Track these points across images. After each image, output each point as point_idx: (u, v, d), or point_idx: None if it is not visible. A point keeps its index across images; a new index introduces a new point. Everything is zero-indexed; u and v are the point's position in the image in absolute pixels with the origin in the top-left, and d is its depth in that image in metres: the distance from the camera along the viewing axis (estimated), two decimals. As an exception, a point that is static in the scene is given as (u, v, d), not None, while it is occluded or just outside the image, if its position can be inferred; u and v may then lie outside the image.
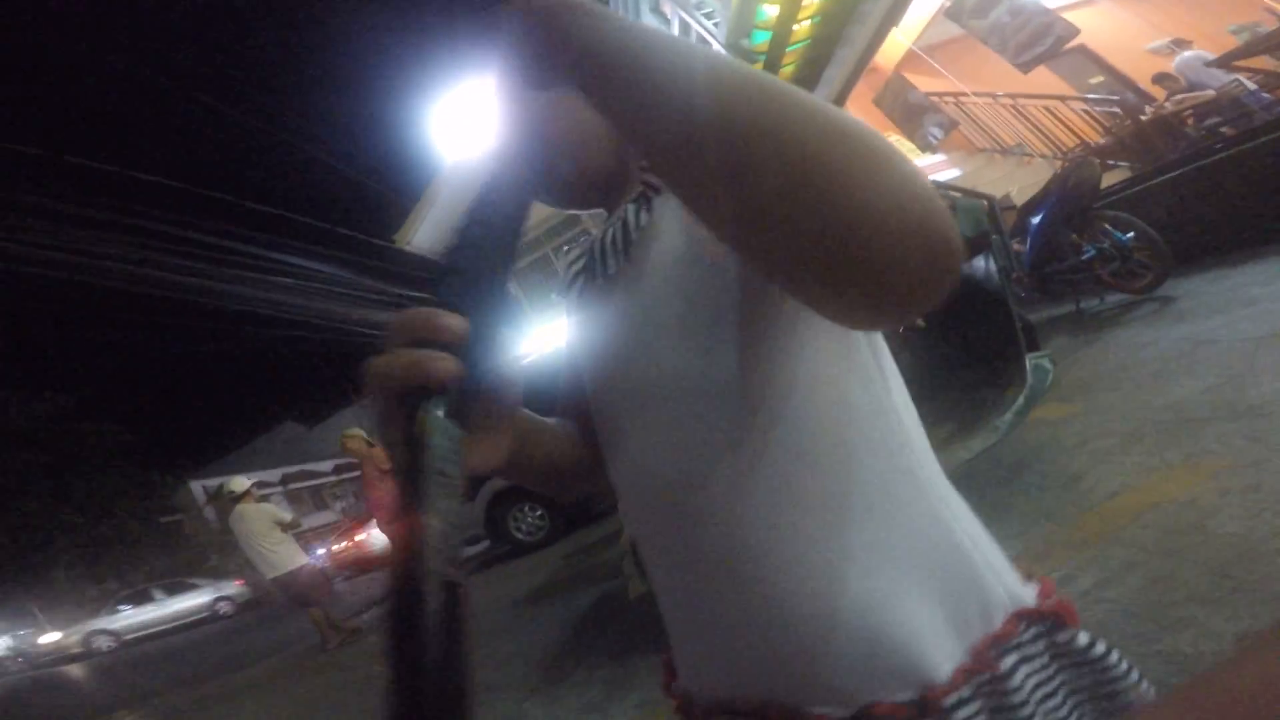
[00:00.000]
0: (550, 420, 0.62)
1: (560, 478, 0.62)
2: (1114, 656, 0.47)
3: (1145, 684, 0.47)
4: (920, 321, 3.25)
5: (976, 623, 0.45)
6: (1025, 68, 6.44)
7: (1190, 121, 6.01)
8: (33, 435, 21.64)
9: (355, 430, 5.66)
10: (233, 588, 18.92)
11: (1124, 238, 4.22)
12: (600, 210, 0.65)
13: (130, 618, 17.33)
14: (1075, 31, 6.20)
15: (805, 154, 0.28)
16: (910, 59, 8.02)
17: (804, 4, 6.09)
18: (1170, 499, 1.97)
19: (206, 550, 25.02)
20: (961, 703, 0.42)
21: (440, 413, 0.34)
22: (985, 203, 2.64)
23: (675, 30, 9.72)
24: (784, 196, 0.28)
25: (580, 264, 0.61)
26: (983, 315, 2.61)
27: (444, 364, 0.35)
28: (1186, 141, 5.75)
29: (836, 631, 0.44)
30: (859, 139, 0.29)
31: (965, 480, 2.64)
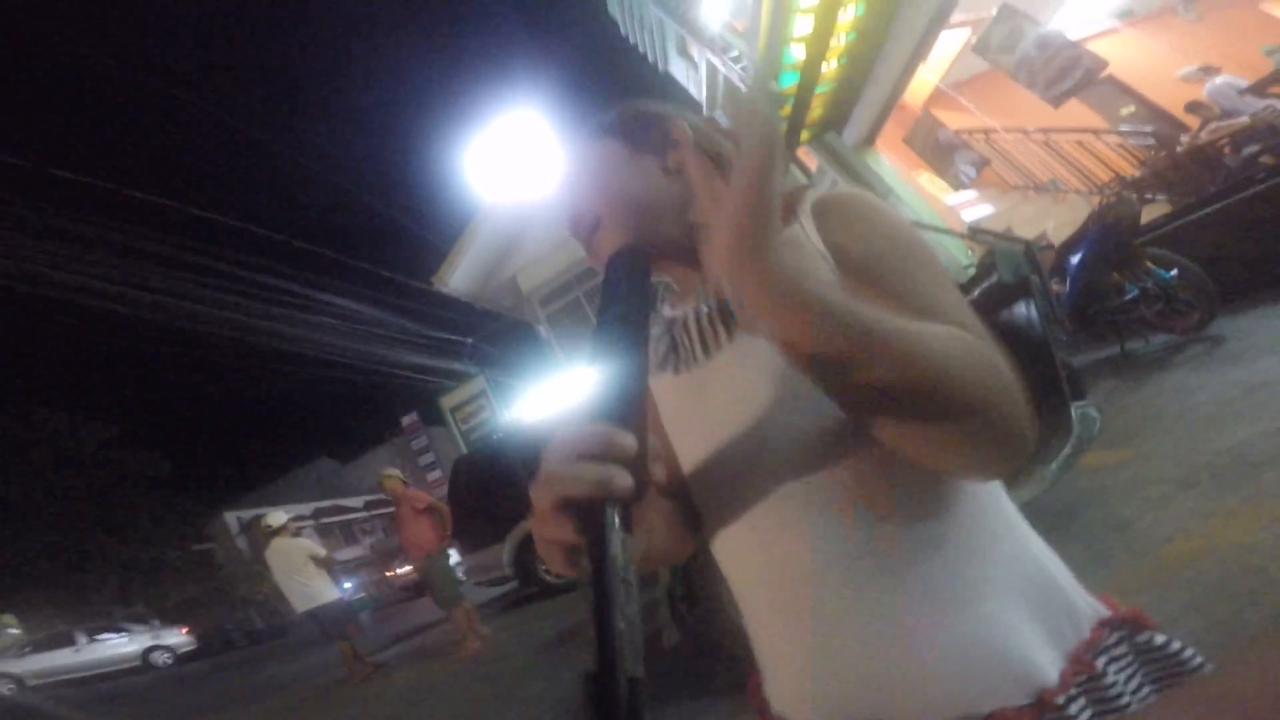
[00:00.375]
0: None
1: (663, 556, 0.65)
2: (1187, 651, 0.53)
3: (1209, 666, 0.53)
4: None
5: (1069, 633, 0.52)
6: (1056, 102, 6.40)
7: (1228, 150, 5.87)
8: (79, 460, 22.35)
9: (393, 471, 5.76)
10: (175, 636, 17.89)
11: (1167, 275, 4.11)
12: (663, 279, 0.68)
13: (43, 662, 16.12)
14: (1104, 64, 6.16)
15: (984, 419, 0.43)
16: (938, 96, 8.07)
17: (831, 46, 6.20)
18: (1229, 543, 1.90)
19: (236, 579, 25.34)
20: (1071, 700, 0.49)
21: (617, 524, 0.37)
22: (1023, 246, 2.61)
23: (704, 72, 9.99)
24: (964, 439, 0.44)
25: (665, 345, 0.65)
26: (1025, 363, 2.54)
27: (627, 482, 0.38)
28: (1225, 172, 5.62)
29: (960, 652, 0.50)
30: (1003, 397, 0.44)
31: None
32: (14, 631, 20.26)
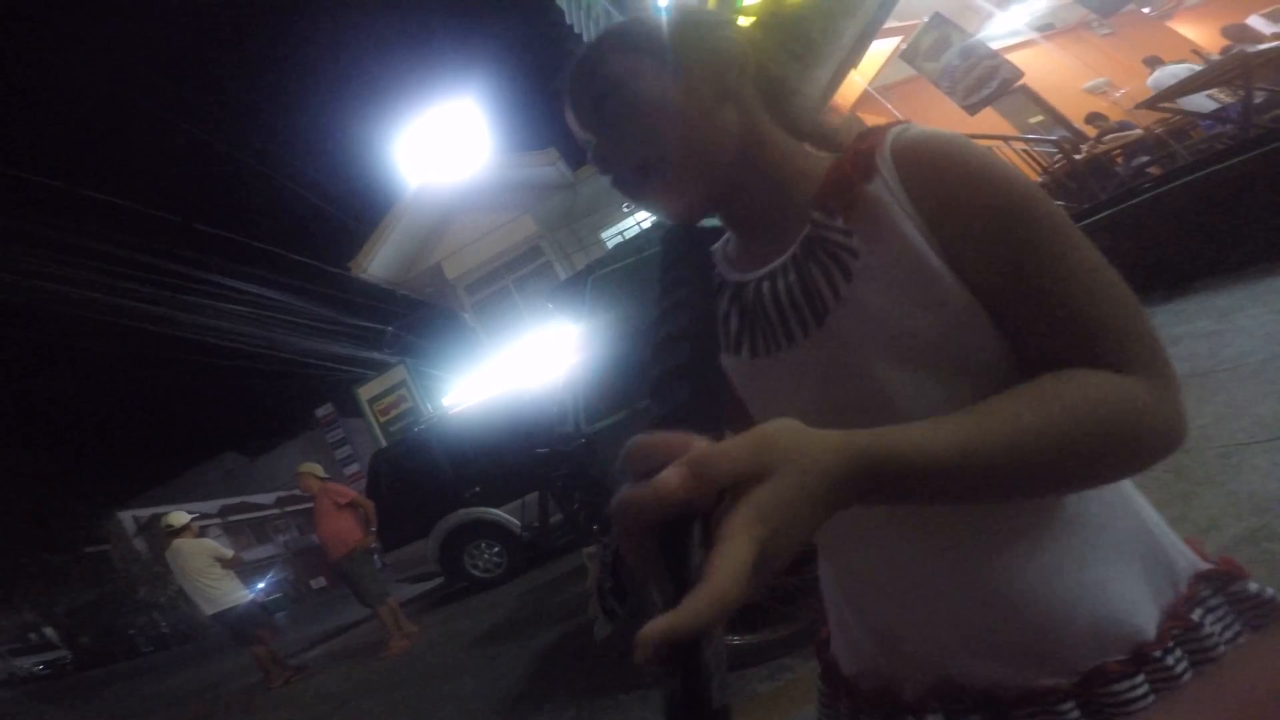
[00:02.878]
0: None
1: None
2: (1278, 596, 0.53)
3: None
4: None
5: (1168, 589, 0.51)
6: (972, 109, 6.75)
7: (1119, 160, 6.35)
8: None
9: (311, 465, 5.48)
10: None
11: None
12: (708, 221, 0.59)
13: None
14: (1020, 74, 6.54)
15: (1085, 483, 0.45)
16: (866, 99, 8.35)
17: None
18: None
19: (136, 581, 23.62)
20: (1167, 652, 0.48)
21: (698, 540, 0.31)
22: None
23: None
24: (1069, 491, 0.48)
25: (736, 321, 0.57)
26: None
27: (706, 492, 0.31)
28: (1116, 180, 6.07)
29: (1063, 615, 0.49)
30: (1126, 459, 0.43)
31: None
32: None
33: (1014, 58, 6.88)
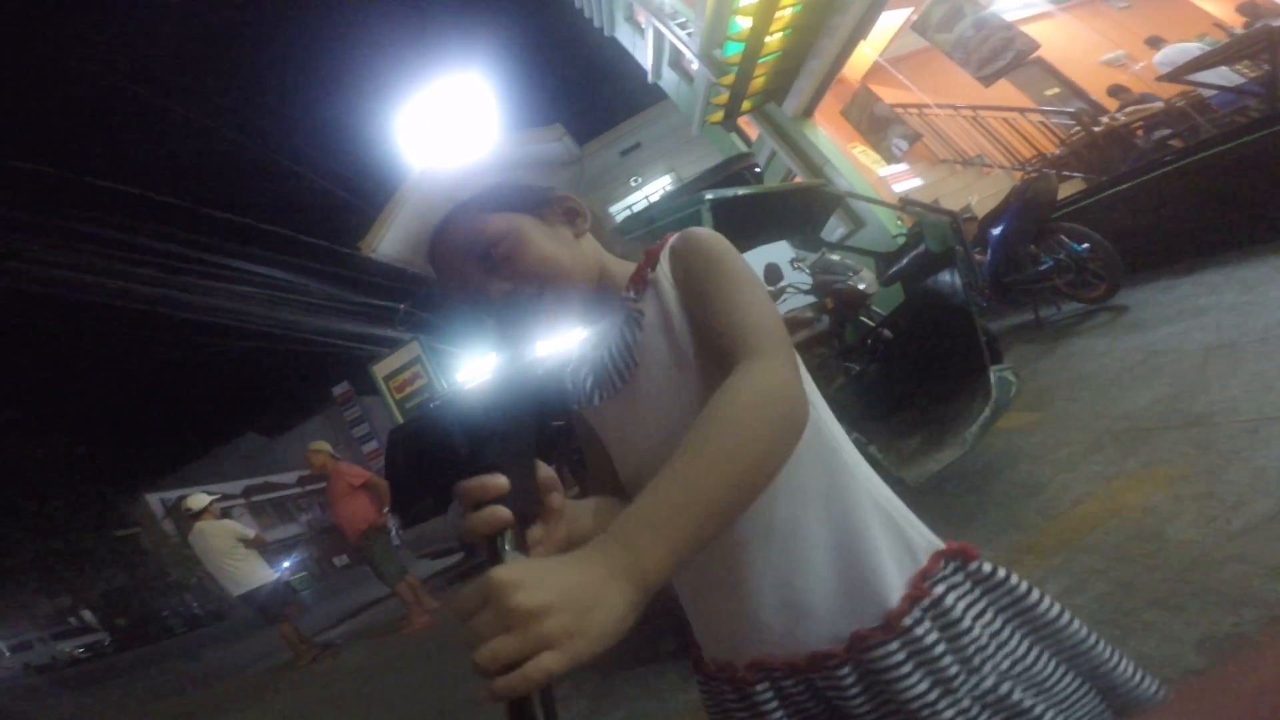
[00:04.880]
0: (587, 502, 0.72)
1: None
2: (1014, 579, 0.63)
3: (1045, 599, 0.62)
4: (886, 331, 3.33)
5: (908, 563, 0.62)
6: (987, 81, 6.61)
7: (1140, 133, 6.22)
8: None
9: (321, 444, 5.54)
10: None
11: (1079, 248, 4.37)
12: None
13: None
14: (1036, 46, 6.39)
15: (766, 460, 0.52)
16: (876, 71, 8.19)
17: (776, 17, 6.18)
18: (1129, 507, 2.03)
19: (166, 564, 24.23)
20: (916, 623, 0.58)
21: (508, 546, 0.49)
22: (950, 218, 2.71)
23: (650, 39, 9.80)
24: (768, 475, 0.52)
25: (592, 378, 0.77)
26: (949, 329, 2.67)
27: (498, 516, 0.49)
28: (1137, 153, 5.95)
29: (823, 582, 0.61)
30: (773, 419, 0.53)
31: (933, 490, 2.66)
32: None
33: (1029, 30, 6.70)
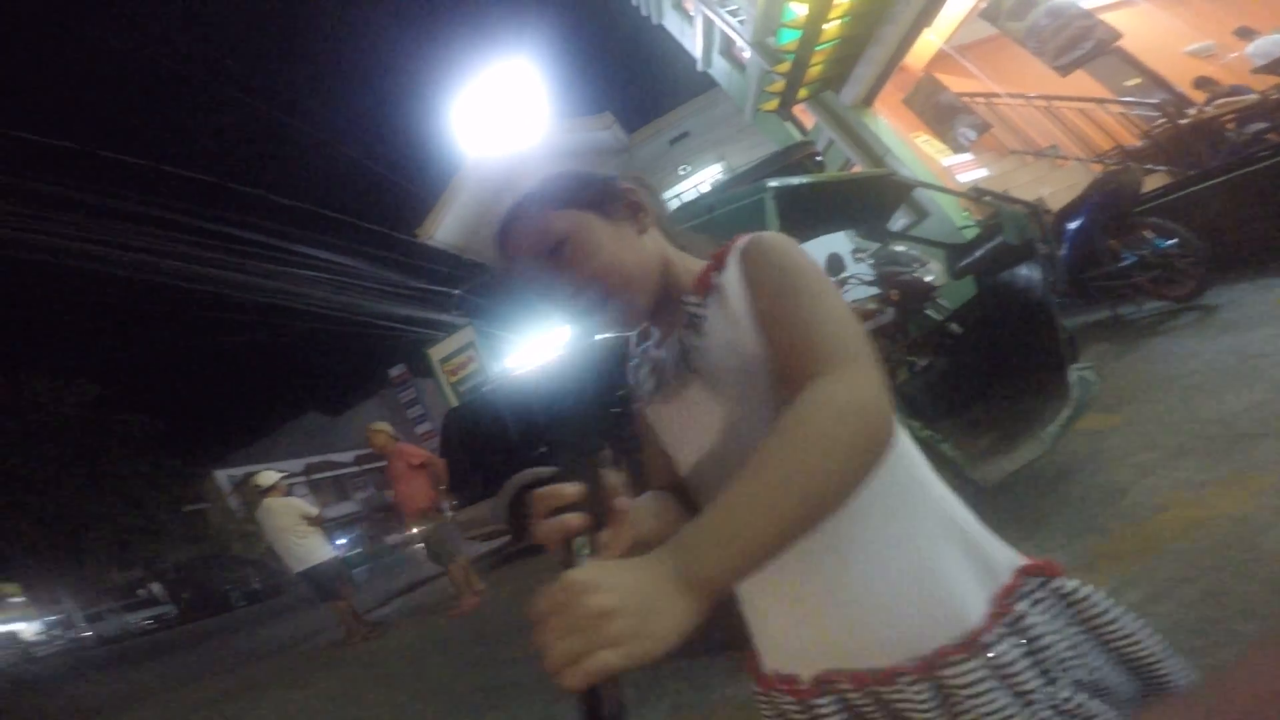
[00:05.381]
0: (648, 502, 0.72)
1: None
2: (1096, 595, 0.62)
3: (1127, 615, 0.61)
4: (955, 325, 3.20)
5: (989, 579, 0.61)
6: (1064, 70, 6.30)
7: (1231, 126, 5.84)
8: (63, 425, 22.02)
9: (381, 425, 5.70)
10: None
11: (1165, 244, 4.12)
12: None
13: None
14: (1118, 35, 6.06)
15: (842, 479, 0.51)
16: (941, 58, 7.90)
17: (835, 3, 6.03)
18: (1220, 515, 1.91)
19: (230, 539, 25.43)
20: (998, 640, 0.57)
21: (585, 550, 0.52)
22: (1030, 210, 2.58)
23: (699, 26, 9.71)
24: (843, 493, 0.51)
25: (651, 379, 0.77)
26: (1024, 324, 2.55)
27: (571, 523, 0.52)
28: (1229, 147, 5.59)
29: (899, 600, 0.60)
30: (851, 438, 0.51)
31: (1004, 491, 2.56)
32: (17, 600, 20.32)
33: (1107, 18, 6.36)
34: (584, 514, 0.52)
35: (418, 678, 4.22)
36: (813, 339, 0.59)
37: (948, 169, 7.91)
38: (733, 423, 0.67)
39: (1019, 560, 0.63)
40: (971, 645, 0.57)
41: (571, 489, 0.53)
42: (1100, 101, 6.99)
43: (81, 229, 11.29)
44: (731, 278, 0.69)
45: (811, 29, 6.15)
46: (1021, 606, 0.59)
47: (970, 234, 5.96)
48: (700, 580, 0.45)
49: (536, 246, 0.72)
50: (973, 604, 0.59)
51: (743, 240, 0.71)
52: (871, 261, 3.72)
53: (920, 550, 0.61)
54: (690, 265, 0.78)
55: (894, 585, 0.60)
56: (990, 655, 0.57)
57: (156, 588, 25.89)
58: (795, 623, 0.66)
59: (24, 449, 20.81)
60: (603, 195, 0.75)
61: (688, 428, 0.72)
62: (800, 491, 0.48)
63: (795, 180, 2.47)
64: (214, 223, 12.35)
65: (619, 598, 0.42)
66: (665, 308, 0.76)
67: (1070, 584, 0.62)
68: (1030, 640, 0.58)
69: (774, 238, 0.69)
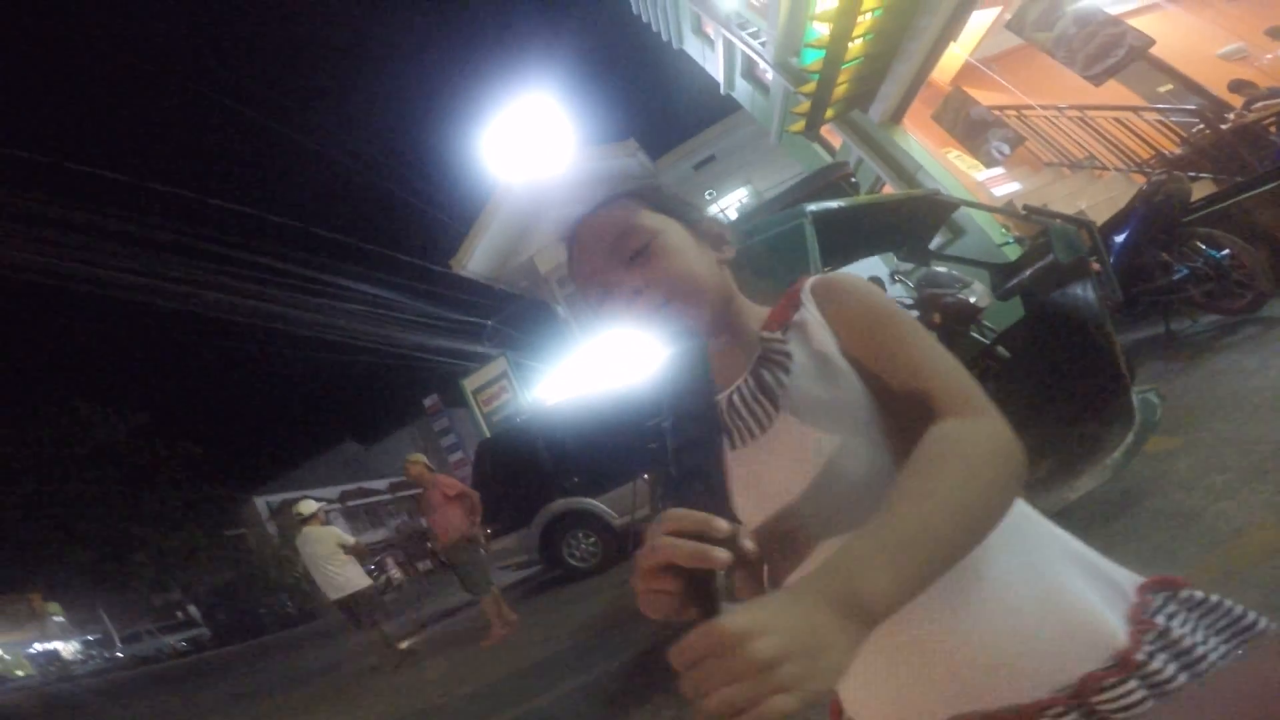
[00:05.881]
0: None
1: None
2: (1228, 602, 0.59)
3: (1262, 618, 0.59)
4: (1002, 350, 3.09)
5: (1118, 598, 0.59)
6: (1097, 80, 6.18)
7: (1274, 129, 5.65)
8: (112, 450, 22.80)
9: (418, 456, 5.78)
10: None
11: (1219, 255, 3.95)
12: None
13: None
14: (1150, 42, 5.93)
15: (996, 510, 0.53)
16: (968, 72, 7.83)
17: (858, 21, 6.01)
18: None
19: (267, 564, 25.88)
20: (1150, 657, 0.54)
21: (720, 592, 0.47)
22: (1083, 229, 2.49)
23: (720, 50, 9.79)
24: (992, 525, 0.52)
25: (731, 420, 0.72)
26: (1080, 345, 2.44)
27: (724, 556, 0.47)
28: (1274, 150, 5.40)
29: (1039, 624, 0.56)
30: (1005, 478, 0.54)
31: (1065, 518, 2.44)
32: (59, 620, 20.95)
33: (1134, 24, 6.25)
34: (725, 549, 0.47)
35: (450, 711, 4.17)
36: (934, 381, 0.60)
37: (981, 184, 7.78)
38: (827, 461, 0.64)
39: (1136, 577, 0.62)
40: (1126, 665, 0.54)
41: (720, 523, 0.48)
42: (1136, 110, 6.84)
43: (125, 260, 11.80)
44: (811, 316, 0.69)
45: (836, 48, 6.14)
46: (1160, 620, 0.57)
47: (1011, 252, 5.82)
48: (868, 603, 0.44)
49: (619, 239, 0.72)
50: (1110, 624, 0.56)
51: (810, 281, 0.72)
52: (912, 284, 3.62)
53: (1047, 577, 0.59)
54: (751, 309, 0.77)
55: (1030, 616, 0.57)
56: (1146, 673, 0.54)
57: (193, 610, 26.41)
58: (910, 672, 0.62)
59: (74, 474, 21.60)
60: (695, 214, 0.76)
61: (761, 472, 0.68)
62: (964, 522, 0.50)
63: (834, 203, 2.43)
64: (256, 254, 12.77)
65: (785, 641, 0.40)
66: (730, 350, 0.74)
67: (1199, 594, 0.61)
68: (1181, 653, 0.56)
69: (848, 277, 0.70)
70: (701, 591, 0.47)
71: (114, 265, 11.64)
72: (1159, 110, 6.75)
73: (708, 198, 14.54)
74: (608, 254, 0.72)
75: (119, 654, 23.32)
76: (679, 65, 11.99)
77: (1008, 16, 6.88)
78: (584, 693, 3.36)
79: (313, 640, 14.48)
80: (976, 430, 0.55)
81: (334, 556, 5.76)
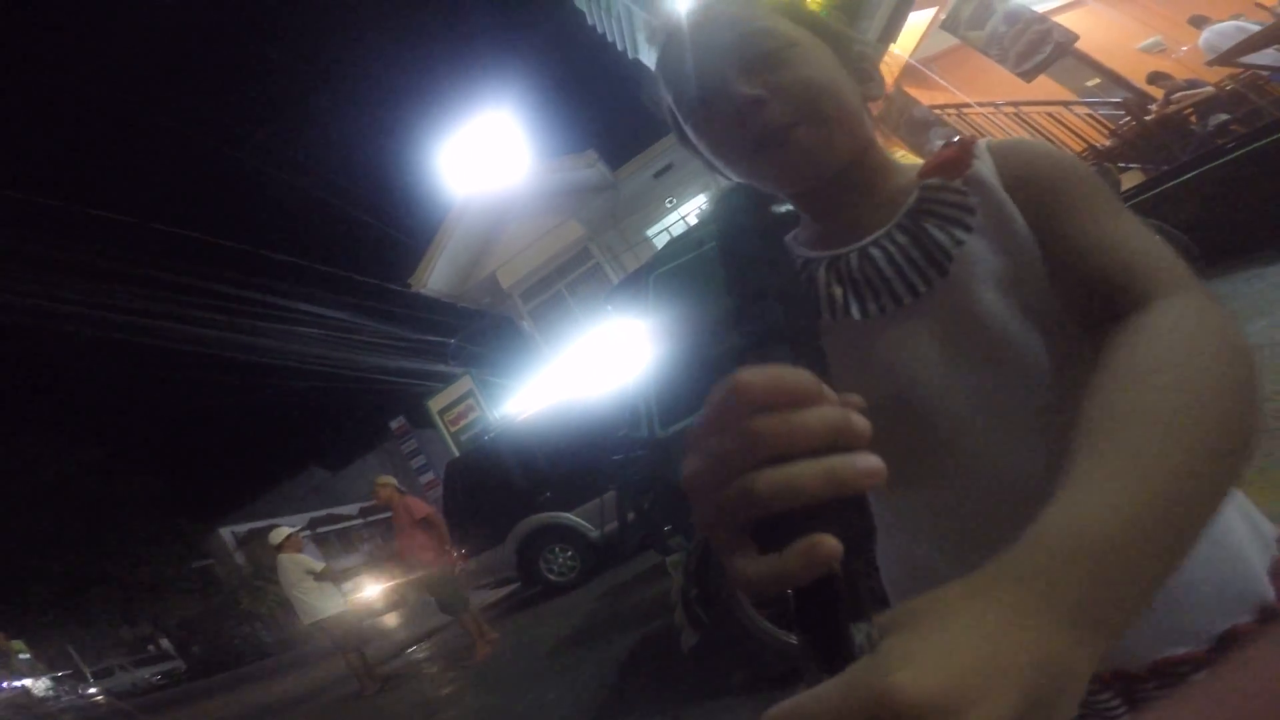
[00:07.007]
0: None
1: None
2: None
3: None
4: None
5: (1261, 548, 0.52)
6: (1028, 76, 6.44)
7: (1194, 119, 5.96)
8: (66, 485, 22.04)
9: (387, 479, 5.74)
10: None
11: (1147, 243, 4.16)
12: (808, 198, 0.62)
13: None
14: (1075, 37, 6.20)
15: (1247, 429, 0.36)
16: (909, 73, 8.07)
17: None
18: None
19: (238, 594, 25.23)
20: None
21: (866, 630, 0.24)
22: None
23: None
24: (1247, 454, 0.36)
25: (854, 284, 0.58)
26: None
27: (829, 547, 0.24)
28: (1195, 140, 5.70)
29: (1197, 577, 0.49)
30: (1241, 380, 0.38)
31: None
32: (24, 657, 20.05)
33: (1060, 20, 6.53)
34: (836, 524, 0.25)
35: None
36: (1134, 254, 0.48)
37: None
38: (1000, 346, 0.53)
39: (1276, 527, 0.55)
40: (1270, 616, 0.49)
41: (833, 543, 0.24)
42: (1067, 104, 7.13)
43: (70, 290, 11.38)
44: (988, 173, 0.56)
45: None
46: None
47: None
48: (1097, 618, 0.26)
49: (746, 37, 0.56)
50: (1258, 574, 0.51)
51: (984, 140, 0.59)
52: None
53: (1219, 521, 0.46)
54: (891, 162, 0.63)
55: (1194, 561, 0.46)
56: None
57: (165, 642, 25.61)
58: None
59: (27, 509, 20.87)
60: (846, 40, 0.61)
61: (904, 350, 0.56)
62: (1207, 449, 0.33)
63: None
64: (206, 280, 12.43)
65: (1001, 707, 0.22)
66: (855, 197, 0.61)
67: None
68: None
69: (1046, 145, 0.59)
70: (836, 633, 0.24)
71: (54, 295, 11.23)
72: (1087, 104, 7.06)
73: (668, 205, 14.65)
74: (724, 52, 0.56)
75: (92, 689, 22.49)
76: (635, 75, 12.06)
77: (943, 17, 7.11)
78: (568, 708, 3.37)
79: (292, 668, 14.10)
80: (1193, 313, 0.42)
81: (301, 583, 5.70)
